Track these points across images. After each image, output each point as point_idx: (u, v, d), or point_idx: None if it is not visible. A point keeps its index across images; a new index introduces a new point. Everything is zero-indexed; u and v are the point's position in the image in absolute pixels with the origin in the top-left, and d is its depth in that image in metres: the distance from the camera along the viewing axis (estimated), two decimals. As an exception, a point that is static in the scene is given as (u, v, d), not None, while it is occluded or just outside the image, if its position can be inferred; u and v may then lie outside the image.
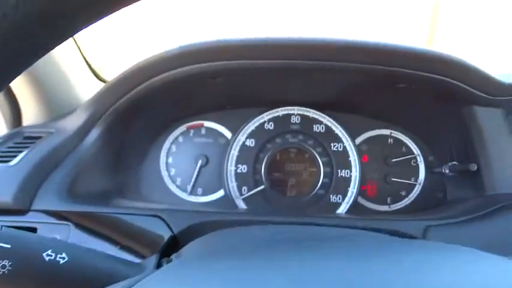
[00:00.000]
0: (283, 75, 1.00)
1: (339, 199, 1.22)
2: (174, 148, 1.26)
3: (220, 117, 1.26)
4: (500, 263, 0.50)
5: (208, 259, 0.62)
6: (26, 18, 0.27)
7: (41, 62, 0.60)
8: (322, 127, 1.24)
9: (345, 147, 1.23)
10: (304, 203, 1.22)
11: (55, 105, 1.17)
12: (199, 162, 1.23)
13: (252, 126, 1.23)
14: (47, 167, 0.96)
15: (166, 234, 0.88)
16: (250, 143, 1.23)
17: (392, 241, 0.73)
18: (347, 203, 1.21)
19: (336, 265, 0.48)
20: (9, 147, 0.99)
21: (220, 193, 1.24)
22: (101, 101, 1.01)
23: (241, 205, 1.21)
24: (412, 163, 1.26)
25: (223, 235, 0.78)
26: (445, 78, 0.90)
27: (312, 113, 1.24)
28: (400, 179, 1.25)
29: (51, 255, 0.53)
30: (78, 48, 1.21)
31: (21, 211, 0.89)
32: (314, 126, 1.24)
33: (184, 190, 1.24)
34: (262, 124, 1.23)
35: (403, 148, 1.27)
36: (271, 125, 1.23)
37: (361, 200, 1.25)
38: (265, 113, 1.23)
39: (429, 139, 1.25)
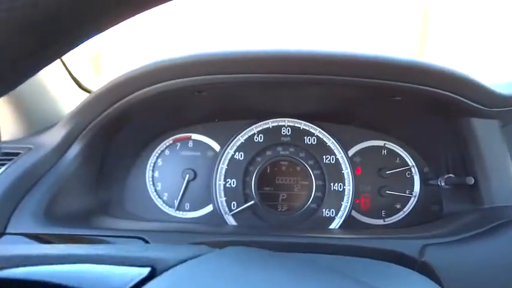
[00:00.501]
0: (272, 87, 0.95)
1: (332, 213, 1.18)
2: (160, 162, 1.21)
3: (208, 129, 1.22)
4: None
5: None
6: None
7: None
8: (314, 139, 1.19)
9: (337, 159, 1.19)
10: (296, 218, 1.18)
11: (35, 118, 1.12)
12: (187, 176, 1.19)
13: (241, 138, 1.18)
14: (23, 186, 0.92)
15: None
16: (240, 156, 1.18)
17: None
18: (340, 217, 1.17)
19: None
20: (-16, 165, 0.94)
21: (209, 208, 1.20)
22: (82, 114, 0.97)
23: (231, 221, 1.17)
24: (406, 175, 1.22)
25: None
26: (440, 91, 0.87)
27: (303, 125, 1.19)
28: (395, 191, 1.21)
29: None
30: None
31: (-6, 235, 0.84)
32: (305, 138, 1.19)
33: (172, 205, 1.20)
34: (252, 136, 1.19)
35: (397, 159, 1.23)
36: (261, 138, 1.19)
37: (354, 214, 1.21)
38: (255, 125, 1.19)
39: (424, 150, 1.21)
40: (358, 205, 1.21)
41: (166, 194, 1.20)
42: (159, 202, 1.19)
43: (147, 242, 0.86)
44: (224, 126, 1.21)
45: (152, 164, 1.20)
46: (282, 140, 1.19)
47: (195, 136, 1.22)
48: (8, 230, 0.85)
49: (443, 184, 1.13)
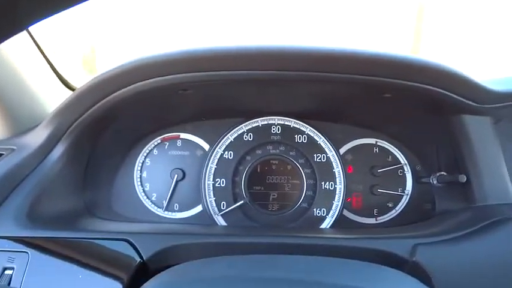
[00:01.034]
0: (257, 85, 0.93)
1: (323, 213, 1.16)
2: (148, 162, 1.19)
3: (197, 128, 1.20)
4: None
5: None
6: None
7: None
8: (304, 137, 1.17)
9: (328, 157, 1.17)
10: (287, 217, 1.16)
11: (20, 118, 1.09)
12: (175, 176, 1.16)
13: (230, 137, 1.16)
14: (6, 188, 0.89)
15: (135, 260, 0.81)
16: (229, 155, 1.16)
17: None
18: (331, 216, 1.15)
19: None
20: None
21: (198, 208, 1.18)
22: (65, 114, 0.94)
23: (220, 221, 1.15)
24: (398, 173, 1.21)
25: (190, 269, 0.71)
26: (430, 87, 0.85)
27: (293, 123, 1.17)
28: (387, 190, 1.19)
29: None
30: (43, 53, 1.13)
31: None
32: (296, 136, 1.17)
33: (160, 206, 1.17)
34: (241, 135, 1.17)
35: (389, 158, 1.21)
36: (250, 136, 1.17)
37: (346, 213, 1.19)
38: (244, 124, 1.17)
39: (416, 148, 1.20)
40: (350, 204, 1.19)
41: (154, 195, 1.18)
42: (147, 203, 1.17)
43: (132, 244, 0.83)
44: (213, 125, 1.19)
45: (140, 164, 1.18)
46: (272, 138, 1.17)
47: (183, 135, 1.20)
48: (-11, 234, 0.83)
49: (435, 182, 1.12)
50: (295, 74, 0.81)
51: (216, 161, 1.16)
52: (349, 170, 1.20)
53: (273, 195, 1.18)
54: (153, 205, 1.17)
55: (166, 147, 1.19)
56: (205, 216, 1.16)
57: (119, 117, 1.01)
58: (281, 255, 0.78)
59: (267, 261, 0.73)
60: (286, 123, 1.18)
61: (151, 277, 0.70)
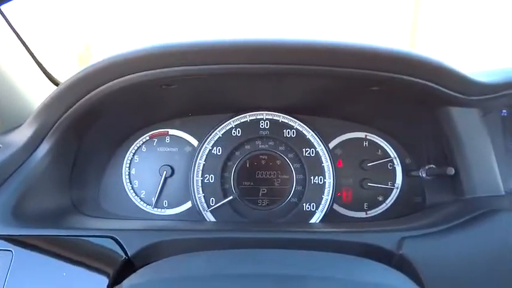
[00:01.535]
0: (244, 79, 0.92)
1: (313, 207, 1.16)
2: (137, 158, 1.18)
3: (186, 124, 1.19)
4: None
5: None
6: None
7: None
8: (293, 132, 1.17)
9: (317, 152, 1.16)
10: (277, 212, 1.16)
11: (5, 116, 1.08)
12: (164, 172, 1.16)
13: (218, 133, 1.15)
14: (-10, 186, 0.88)
15: (120, 257, 0.81)
16: (217, 151, 1.16)
17: None
18: (321, 211, 1.15)
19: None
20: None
21: (188, 205, 1.17)
22: (49, 111, 0.92)
23: (210, 217, 1.14)
24: (388, 167, 1.20)
25: (174, 263, 0.71)
26: (416, 80, 0.84)
27: (282, 118, 1.17)
28: (377, 183, 1.19)
29: None
30: (28, 50, 1.12)
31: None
32: (284, 131, 1.17)
33: (149, 203, 1.17)
34: (230, 131, 1.16)
35: (379, 151, 1.21)
36: (238, 132, 1.16)
37: (336, 207, 1.19)
38: (232, 119, 1.16)
39: (405, 141, 1.19)
40: (340, 198, 1.19)
41: (143, 192, 1.18)
42: (136, 200, 1.17)
43: (118, 242, 0.83)
44: (202, 120, 1.18)
45: (129, 161, 1.17)
46: (260, 133, 1.17)
47: (172, 131, 1.19)
48: (-27, 232, 0.82)
49: (424, 175, 1.12)
50: (280, 67, 0.80)
51: (204, 157, 1.15)
52: (338, 164, 1.19)
53: (263, 190, 1.17)
54: (142, 202, 1.17)
55: (154, 143, 1.19)
56: (194, 213, 1.15)
57: (105, 113, 1.00)
58: (260, 249, 0.78)
59: (245, 256, 0.73)
60: (275, 118, 1.17)
61: None
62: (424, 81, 0.84)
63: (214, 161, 1.15)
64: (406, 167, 1.20)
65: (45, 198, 0.96)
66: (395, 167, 1.20)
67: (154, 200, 1.16)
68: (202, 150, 1.15)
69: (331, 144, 1.19)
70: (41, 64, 1.18)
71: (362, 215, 1.19)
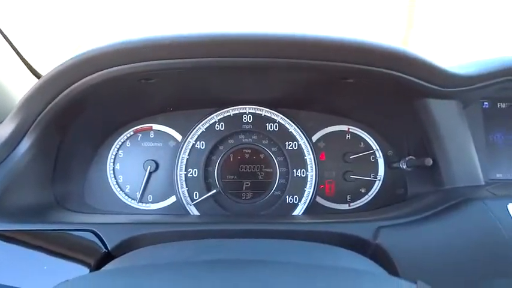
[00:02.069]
0: (224, 74, 0.93)
1: (296, 200, 1.17)
2: (121, 154, 1.19)
3: (170, 119, 1.20)
4: None
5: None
6: None
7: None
8: (276, 125, 1.18)
9: (300, 145, 1.18)
10: (260, 205, 1.17)
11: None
12: (149, 167, 1.17)
13: (201, 127, 1.16)
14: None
15: (100, 250, 0.82)
16: (201, 145, 1.17)
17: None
18: (304, 203, 1.16)
19: None
20: None
21: (172, 199, 1.18)
22: (31, 104, 0.92)
23: (193, 211, 1.15)
24: (371, 159, 1.22)
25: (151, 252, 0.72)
26: (390, 72, 0.85)
27: (265, 112, 1.18)
28: (360, 175, 1.20)
29: None
30: (10, 44, 1.12)
31: None
32: (267, 125, 1.18)
33: (134, 198, 1.18)
34: (213, 125, 1.17)
35: (362, 144, 1.22)
36: (222, 126, 1.17)
37: (319, 200, 1.20)
38: (216, 113, 1.17)
39: (387, 134, 1.21)
40: (323, 191, 1.20)
41: (128, 186, 1.18)
42: (121, 195, 1.17)
43: (97, 235, 0.84)
44: (185, 115, 1.19)
45: (113, 156, 1.18)
46: (243, 127, 1.18)
47: (156, 126, 1.20)
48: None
49: (405, 167, 1.13)
50: (250, 60, 0.81)
51: (188, 151, 1.16)
52: (321, 157, 1.21)
53: (246, 184, 1.19)
54: (126, 197, 1.18)
55: (139, 138, 1.20)
56: (179, 207, 1.16)
57: (87, 108, 1.00)
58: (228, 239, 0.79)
59: (215, 244, 0.74)
60: (258, 111, 1.18)
61: None
62: (397, 73, 0.85)
63: (197, 155, 1.16)
64: (388, 159, 1.21)
65: (27, 194, 0.97)
66: (377, 159, 1.22)
67: (138, 195, 1.17)
68: (185, 144, 1.16)
69: (314, 138, 1.21)
70: (25, 59, 1.18)
71: (345, 207, 1.20)
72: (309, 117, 1.21)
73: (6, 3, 1.20)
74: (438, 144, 1.01)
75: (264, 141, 1.19)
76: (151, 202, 1.18)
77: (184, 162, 1.16)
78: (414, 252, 0.81)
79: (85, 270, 0.77)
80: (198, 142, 1.16)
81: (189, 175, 1.16)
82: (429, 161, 1.01)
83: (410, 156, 1.10)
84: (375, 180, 1.21)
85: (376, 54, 0.82)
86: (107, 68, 0.80)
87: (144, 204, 1.18)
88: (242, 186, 1.18)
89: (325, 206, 1.20)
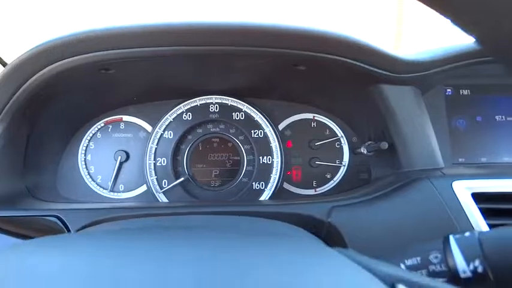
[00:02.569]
0: (179, 64, 0.97)
1: (262, 186, 1.21)
2: (92, 145, 1.22)
3: (140, 110, 1.23)
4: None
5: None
6: None
7: None
8: (242, 114, 1.22)
9: (265, 133, 1.21)
10: (228, 192, 1.21)
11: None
12: (119, 157, 1.20)
13: (169, 118, 1.20)
14: None
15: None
16: (169, 135, 1.20)
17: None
18: (270, 189, 1.20)
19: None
20: None
21: (143, 188, 1.22)
22: None
23: (163, 199, 1.19)
24: (336, 145, 1.26)
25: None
26: (340, 58, 0.89)
27: (231, 101, 1.21)
28: (325, 161, 1.24)
29: None
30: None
31: None
32: (234, 114, 1.22)
33: (106, 187, 1.21)
34: (180, 115, 1.20)
35: (327, 131, 1.26)
36: (189, 116, 1.21)
37: (286, 186, 1.24)
38: (183, 104, 1.20)
39: (350, 121, 1.25)
40: (290, 177, 1.24)
41: (99, 177, 1.22)
42: (92, 185, 1.21)
43: (62, 220, 0.87)
44: (155, 106, 1.22)
45: (84, 147, 1.21)
46: (210, 117, 1.21)
47: (126, 118, 1.23)
48: None
49: (365, 152, 1.17)
50: (207, 48, 0.84)
51: (156, 141, 1.19)
52: (288, 144, 1.24)
53: (215, 171, 1.22)
54: (98, 187, 1.21)
55: (109, 130, 1.23)
56: (149, 195, 1.20)
57: (53, 98, 1.02)
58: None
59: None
60: (224, 101, 1.21)
61: None
62: (345, 59, 0.89)
63: (166, 145, 1.19)
64: (352, 145, 1.25)
65: (-4, 184, 1.00)
66: (342, 146, 1.26)
67: (110, 185, 1.20)
68: (153, 134, 1.19)
69: (281, 126, 1.24)
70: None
71: (311, 192, 1.24)
72: (275, 106, 1.24)
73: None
74: (395, 129, 1.05)
75: (231, 130, 1.23)
76: (123, 191, 1.21)
77: (153, 151, 1.19)
78: (363, 229, 0.85)
79: None
80: (166, 132, 1.20)
81: (158, 164, 1.19)
82: (384, 145, 1.05)
83: (370, 142, 1.14)
84: (340, 166, 1.25)
85: (324, 40, 0.86)
86: (65, 58, 0.83)
87: (115, 194, 1.21)
88: (211, 174, 1.22)
89: (292, 192, 1.24)
